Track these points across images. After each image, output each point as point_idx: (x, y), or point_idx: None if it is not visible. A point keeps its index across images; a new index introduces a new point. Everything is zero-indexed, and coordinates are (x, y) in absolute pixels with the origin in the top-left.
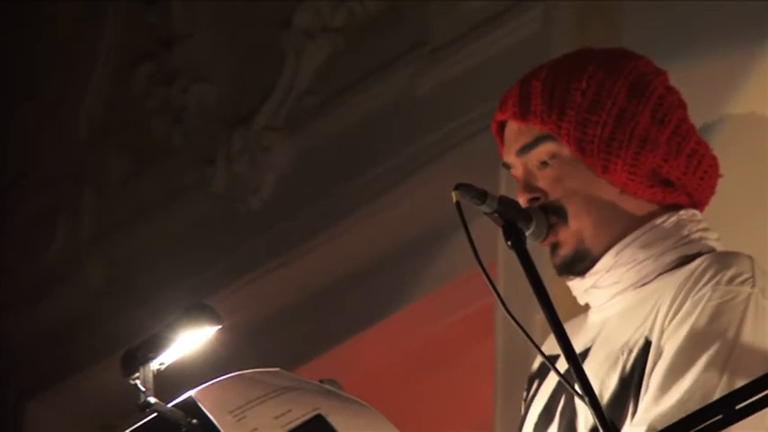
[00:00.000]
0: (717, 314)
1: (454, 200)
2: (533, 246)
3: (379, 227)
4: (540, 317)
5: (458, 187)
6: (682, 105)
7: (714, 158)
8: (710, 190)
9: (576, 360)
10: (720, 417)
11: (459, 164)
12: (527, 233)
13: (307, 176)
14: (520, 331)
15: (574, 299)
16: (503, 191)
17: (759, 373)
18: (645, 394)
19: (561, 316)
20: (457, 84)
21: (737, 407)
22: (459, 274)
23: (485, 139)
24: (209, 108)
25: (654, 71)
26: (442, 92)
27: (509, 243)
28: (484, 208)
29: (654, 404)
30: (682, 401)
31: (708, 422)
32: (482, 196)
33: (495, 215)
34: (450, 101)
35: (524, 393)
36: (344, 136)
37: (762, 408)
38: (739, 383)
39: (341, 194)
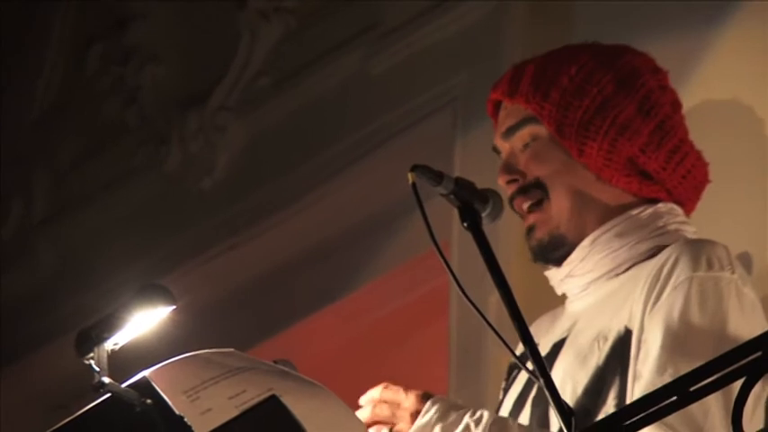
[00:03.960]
0: (702, 300)
1: (410, 181)
2: (489, 228)
3: (334, 207)
4: (493, 298)
5: (414, 168)
6: (674, 105)
7: (702, 162)
8: (694, 191)
9: (530, 339)
10: (675, 398)
11: (413, 145)
12: (483, 214)
13: (260, 157)
14: (474, 312)
15: (528, 281)
16: (457, 172)
17: None
18: (633, 382)
19: (516, 297)
20: (411, 65)
21: (692, 389)
22: (413, 254)
23: (438, 120)
24: (164, 88)
25: (651, 69)
26: (395, 73)
27: (465, 224)
28: (440, 189)
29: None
30: None
31: (662, 404)
32: (438, 177)
33: (452, 196)
34: (403, 82)
35: (503, 383)
36: (298, 117)
37: (715, 390)
38: None
39: (295, 175)
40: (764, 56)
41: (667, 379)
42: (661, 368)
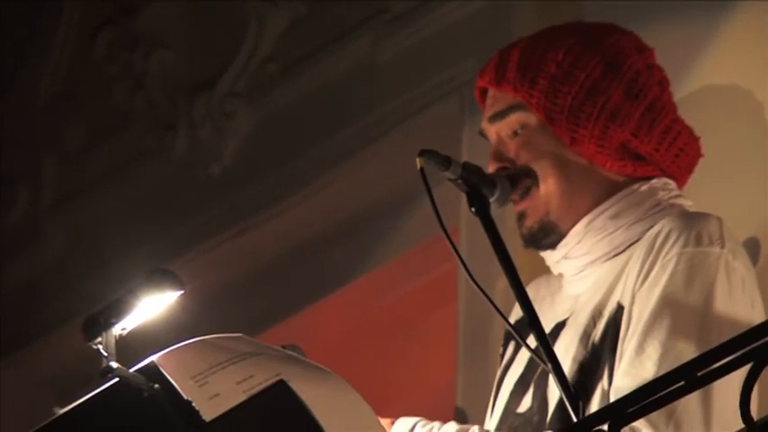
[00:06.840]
0: (689, 277)
1: (419, 166)
2: (497, 213)
3: (342, 193)
4: (501, 283)
5: (422, 153)
6: (662, 84)
7: (693, 138)
8: (687, 168)
9: (538, 324)
10: (682, 384)
11: (421, 130)
12: (491, 199)
13: (268, 142)
14: (481, 297)
15: (536, 265)
16: (465, 157)
17: (732, 336)
18: (619, 360)
19: (524, 282)
20: (418, 51)
21: (699, 374)
22: (421, 240)
23: (446, 106)
24: (172, 74)
25: (637, 48)
26: (403, 59)
27: (473, 209)
28: (448, 174)
29: (628, 372)
30: (657, 369)
31: (669, 389)
32: (446, 162)
33: (460, 181)
34: (411, 68)
35: (501, 349)
36: (306, 103)
37: (723, 375)
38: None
39: (302, 161)
40: (766, 47)
41: (645, 359)
42: (640, 347)
